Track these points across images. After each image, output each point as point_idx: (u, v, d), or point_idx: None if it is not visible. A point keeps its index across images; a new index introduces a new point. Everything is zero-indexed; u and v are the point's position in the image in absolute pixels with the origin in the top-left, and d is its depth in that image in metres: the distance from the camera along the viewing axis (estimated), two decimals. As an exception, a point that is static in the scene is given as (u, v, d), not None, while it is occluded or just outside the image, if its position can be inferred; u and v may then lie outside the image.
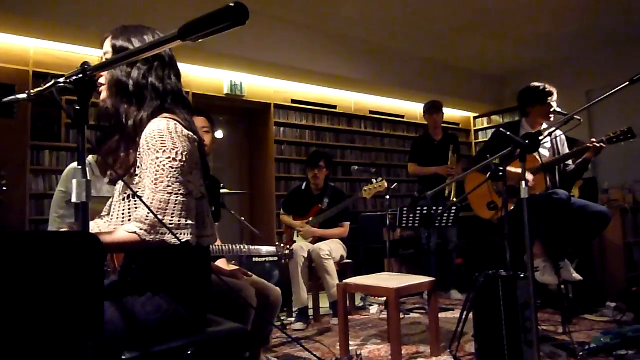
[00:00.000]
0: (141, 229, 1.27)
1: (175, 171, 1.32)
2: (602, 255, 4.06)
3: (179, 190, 1.32)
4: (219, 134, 6.18)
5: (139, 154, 1.37)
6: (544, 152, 3.35)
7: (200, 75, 5.43)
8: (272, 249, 3.00)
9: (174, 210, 1.30)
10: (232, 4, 0.81)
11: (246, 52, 5.09)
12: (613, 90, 2.20)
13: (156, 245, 1.28)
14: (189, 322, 1.40)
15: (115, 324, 1.26)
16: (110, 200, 1.58)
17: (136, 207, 1.37)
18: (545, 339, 2.91)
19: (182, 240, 1.30)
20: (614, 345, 2.65)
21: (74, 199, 0.99)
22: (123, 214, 1.40)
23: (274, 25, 5.30)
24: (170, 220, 1.29)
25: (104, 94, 1.48)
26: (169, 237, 1.28)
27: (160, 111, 1.42)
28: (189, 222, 1.33)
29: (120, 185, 1.47)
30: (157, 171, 1.31)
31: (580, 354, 2.59)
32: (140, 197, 1.29)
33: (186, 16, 0.89)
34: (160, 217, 1.28)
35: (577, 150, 3.16)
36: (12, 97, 1.20)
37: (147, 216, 1.27)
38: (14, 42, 4.29)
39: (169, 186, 1.31)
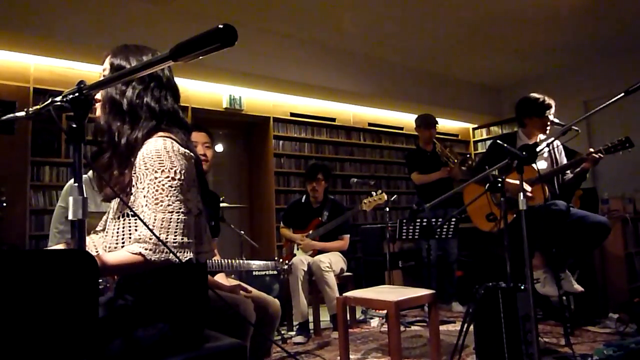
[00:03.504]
0: (146, 249, 1.25)
1: (174, 190, 1.32)
2: (604, 265, 4.04)
3: (180, 208, 1.32)
4: (219, 148, 6.20)
5: (134, 174, 1.38)
6: (543, 162, 3.35)
7: (199, 90, 5.47)
8: (270, 263, 2.98)
9: (176, 229, 1.30)
10: (221, 26, 0.82)
11: (245, 66, 5.13)
12: (609, 101, 2.20)
13: (161, 265, 1.26)
14: (187, 338, 1.39)
15: (111, 341, 1.26)
16: (105, 216, 1.57)
17: (136, 228, 1.37)
18: (547, 351, 2.90)
19: (186, 259, 1.30)
20: (617, 357, 2.63)
21: (70, 216, 0.99)
22: (118, 232, 1.40)
23: (272, 39, 5.35)
24: (174, 239, 1.29)
25: (98, 111, 1.49)
26: (173, 256, 1.27)
27: (155, 131, 1.43)
28: (190, 240, 1.33)
29: (114, 203, 1.47)
30: (156, 191, 1.31)
31: (583, 366, 2.58)
32: (139, 217, 1.28)
33: (184, 35, 0.91)
34: (163, 236, 1.27)
35: (574, 161, 3.16)
36: (11, 115, 1.21)
37: (151, 236, 1.26)
38: (14, 59, 4.33)
39: (169, 205, 1.30)
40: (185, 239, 1.31)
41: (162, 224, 1.28)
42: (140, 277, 1.40)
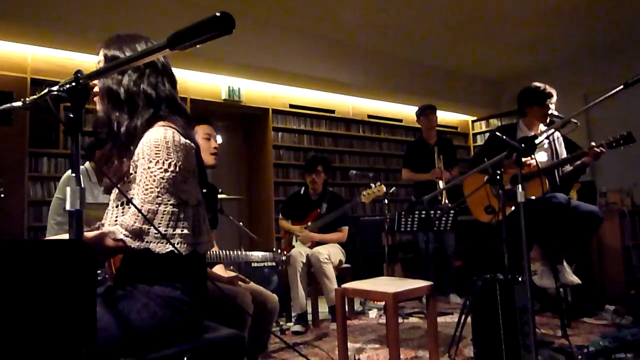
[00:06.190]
0: (127, 236, 1.29)
1: (165, 182, 1.33)
2: (601, 258, 4.05)
3: (169, 200, 1.33)
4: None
5: (134, 162, 1.38)
6: (543, 154, 3.35)
7: (198, 81, 5.45)
8: (269, 255, 2.99)
9: (161, 220, 1.31)
10: (218, 14, 0.82)
11: (244, 57, 5.11)
12: (608, 94, 2.19)
13: (140, 252, 1.30)
14: (185, 329, 1.39)
15: (110, 330, 1.26)
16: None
17: (124, 214, 1.38)
18: (544, 343, 2.91)
19: (167, 250, 1.31)
20: (613, 348, 2.65)
21: (67, 207, 0.99)
22: (116, 221, 1.40)
23: (271, 30, 5.32)
24: (156, 231, 1.30)
25: (98, 104, 1.48)
26: (154, 246, 1.30)
27: (156, 119, 1.43)
28: (177, 231, 1.34)
29: (114, 193, 1.47)
30: (147, 181, 1.32)
31: (579, 357, 2.59)
32: (135, 205, 1.29)
33: (183, 24, 0.90)
34: (147, 226, 1.29)
35: (576, 154, 3.15)
36: (8, 105, 1.20)
37: (133, 224, 1.29)
38: (12, 49, 4.31)
39: (158, 196, 1.32)
40: (170, 231, 1.32)
41: (147, 215, 1.30)
42: (138, 267, 1.40)
